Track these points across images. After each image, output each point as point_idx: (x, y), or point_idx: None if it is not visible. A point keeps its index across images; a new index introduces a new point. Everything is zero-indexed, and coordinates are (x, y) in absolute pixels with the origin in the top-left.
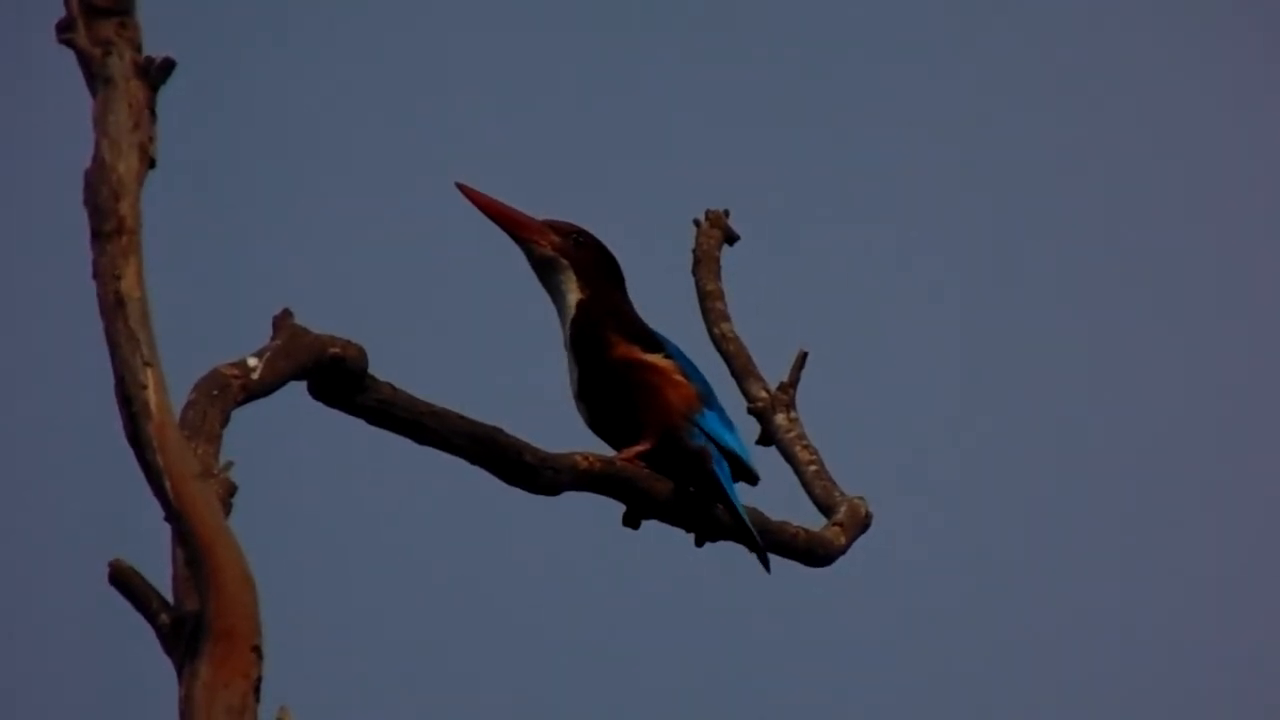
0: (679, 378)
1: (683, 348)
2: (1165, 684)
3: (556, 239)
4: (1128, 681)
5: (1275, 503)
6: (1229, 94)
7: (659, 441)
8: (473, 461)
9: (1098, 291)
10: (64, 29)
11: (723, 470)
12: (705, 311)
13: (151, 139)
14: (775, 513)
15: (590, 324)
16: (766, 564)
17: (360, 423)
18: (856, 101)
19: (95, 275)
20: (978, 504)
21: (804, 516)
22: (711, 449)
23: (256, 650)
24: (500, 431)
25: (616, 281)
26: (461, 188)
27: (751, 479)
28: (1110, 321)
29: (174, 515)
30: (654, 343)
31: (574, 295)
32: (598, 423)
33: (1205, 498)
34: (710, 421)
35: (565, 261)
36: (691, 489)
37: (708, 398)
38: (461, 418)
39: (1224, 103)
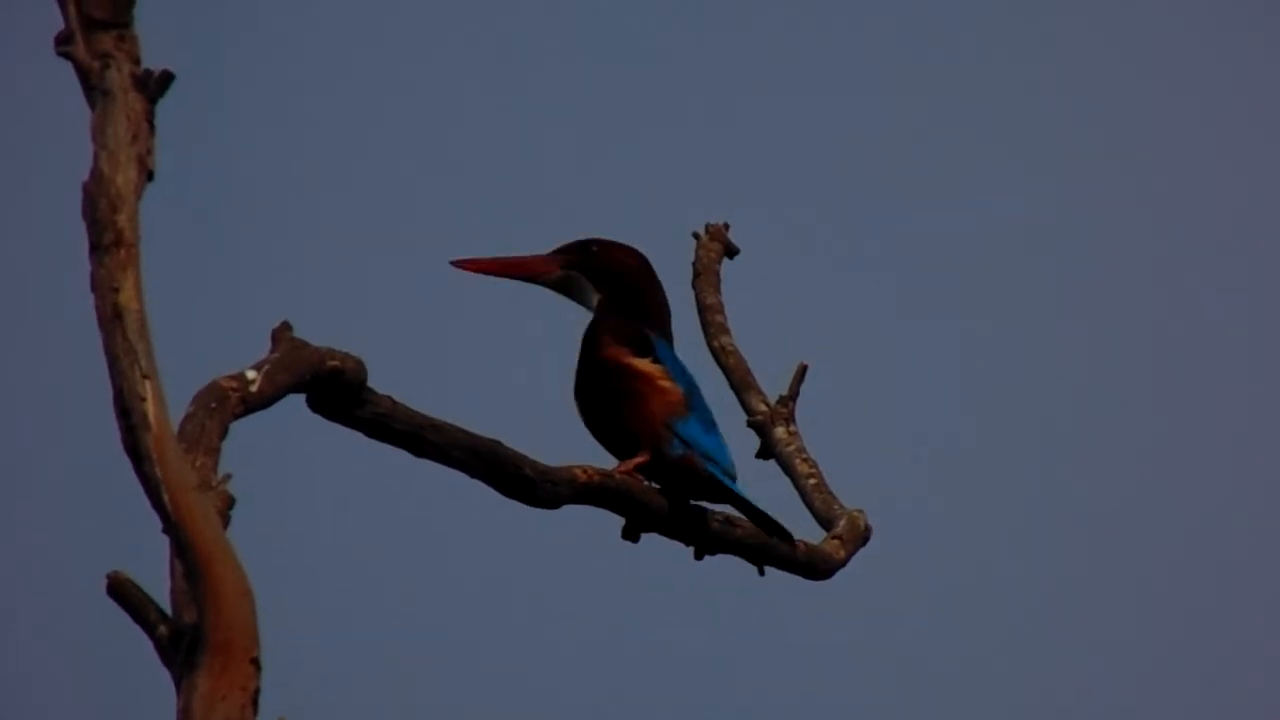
0: (665, 383)
1: (682, 360)
2: (1161, 696)
3: (565, 258)
4: (1123, 694)
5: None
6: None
7: (653, 453)
8: (472, 475)
9: (1098, 306)
10: (62, 41)
11: (717, 468)
12: (705, 324)
13: (150, 151)
14: None
15: (594, 323)
16: (789, 540)
17: (359, 436)
18: (858, 114)
19: (93, 287)
20: (977, 516)
21: (804, 529)
22: (695, 453)
23: (255, 662)
24: (500, 445)
25: (634, 276)
26: (457, 264)
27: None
28: (1111, 336)
29: (172, 527)
30: (645, 346)
31: (594, 297)
32: (591, 421)
33: (1201, 508)
34: (690, 427)
35: (576, 274)
36: (691, 499)
37: (693, 400)
38: (461, 431)
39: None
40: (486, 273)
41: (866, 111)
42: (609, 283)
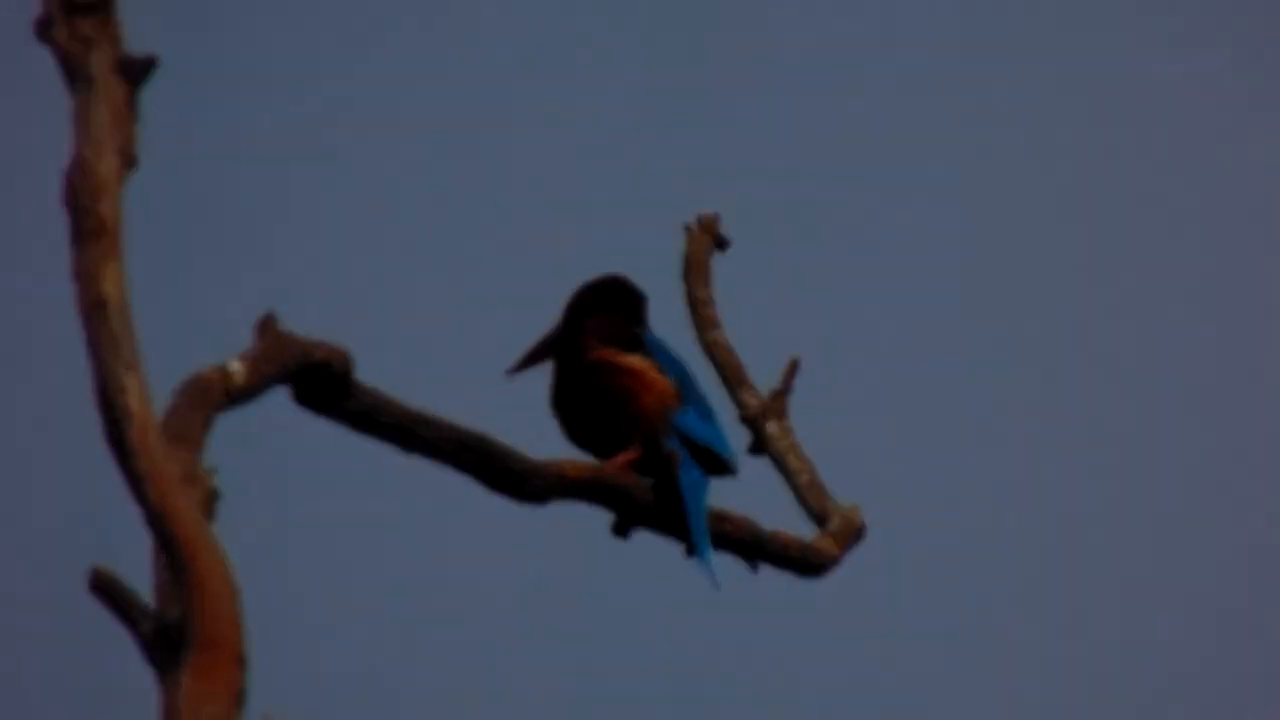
0: (654, 376)
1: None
2: (1154, 694)
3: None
4: (1115, 691)
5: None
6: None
7: (645, 447)
8: (459, 469)
9: (1095, 298)
10: (43, 27)
11: (688, 477)
12: (695, 319)
13: (132, 138)
14: (768, 522)
15: (570, 332)
16: (715, 581)
17: (346, 429)
18: (851, 106)
19: (75, 277)
20: (972, 512)
21: (797, 526)
22: (682, 453)
23: (240, 659)
24: (488, 439)
25: (605, 289)
26: (510, 373)
27: (730, 470)
28: (1107, 330)
29: (156, 522)
30: (633, 342)
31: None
32: (578, 428)
33: (1196, 503)
34: (687, 418)
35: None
36: (664, 492)
37: (686, 390)
38: (448, 424)
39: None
40: (530, 366)
41: (860, 104)
42: (589, 307)
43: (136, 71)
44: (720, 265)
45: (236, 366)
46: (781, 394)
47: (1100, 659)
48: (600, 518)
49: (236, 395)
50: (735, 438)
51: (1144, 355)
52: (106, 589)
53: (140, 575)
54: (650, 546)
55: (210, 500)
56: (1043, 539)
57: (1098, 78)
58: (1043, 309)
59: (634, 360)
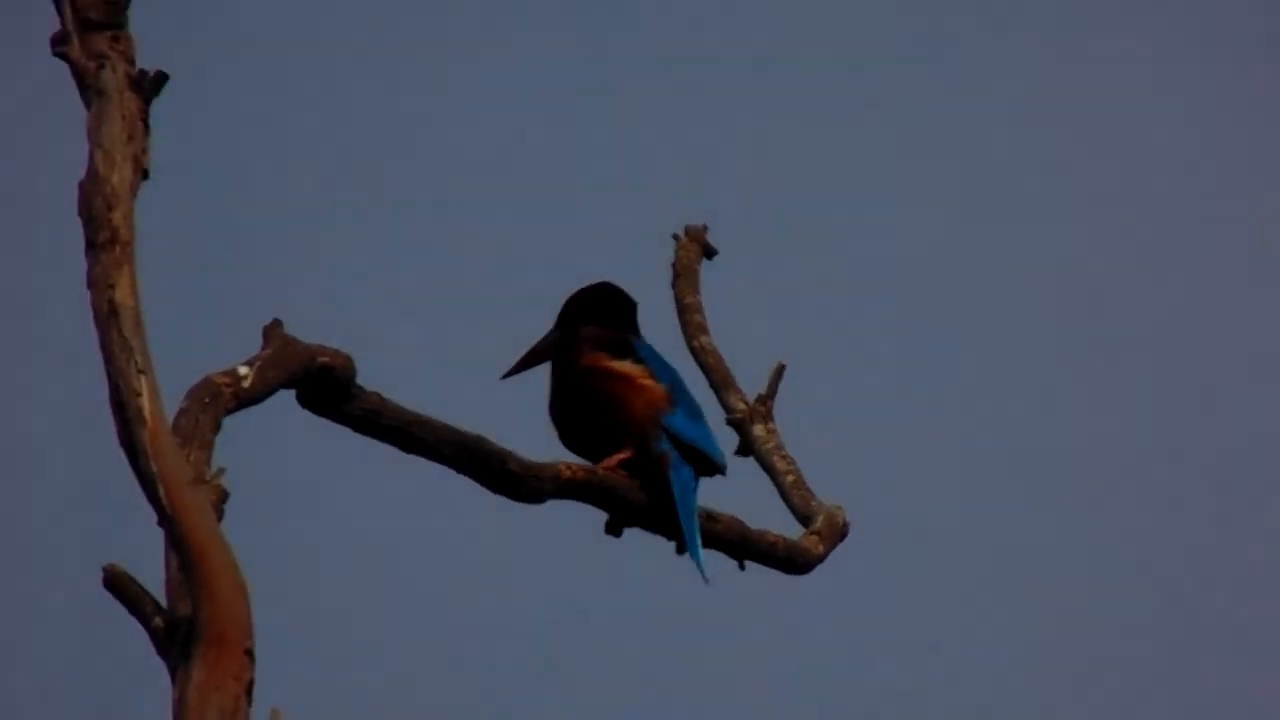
0: (646, 381)
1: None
2: (1144, 694)
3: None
4: (1099, 690)
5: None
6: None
7: (637, 449)
8: (458, 470)
9: (1076, 305)
10: (58, 42)
11: (679, 477)
12: (684, 325)
13: (145, 150)
14: (755, 521)
15: (567, 340)
16: (703, 574)
17: (349, 431)
18: (837, 116)
19: (89, 285)
20: (954, 511)
21: (783, 525)
22: (673, 454)
23: (249, 653)
24: (485, 440)
25: (598, 295)
26: (505, 377)
27: (719, 471)
28: (1087, 333)
29: (167, 520)
30: (625, 348)
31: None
32: (571, 433)
33: (1189, 503)
34: (677, 420)
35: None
36: (655, 493)
37: (677, 394)
38: (447, 426)
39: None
40: (523, 370)
41: (846, 115)
42: (581, 313)
43: (148, 86)
44: (708, 273)
45: (245, 371)
46: (767, 398)
47: (1095, 658)
48: (595, 517)
49: (245, 398)
50: (723, 440)
51: (1135, 355)
52: (120, 586)
53: (152, 573)
54: (643, 544)
55: (219, 500)
56: (1029, 539)
57: (1090, 78)
58: (1029, 312)
59: (626, 366)
